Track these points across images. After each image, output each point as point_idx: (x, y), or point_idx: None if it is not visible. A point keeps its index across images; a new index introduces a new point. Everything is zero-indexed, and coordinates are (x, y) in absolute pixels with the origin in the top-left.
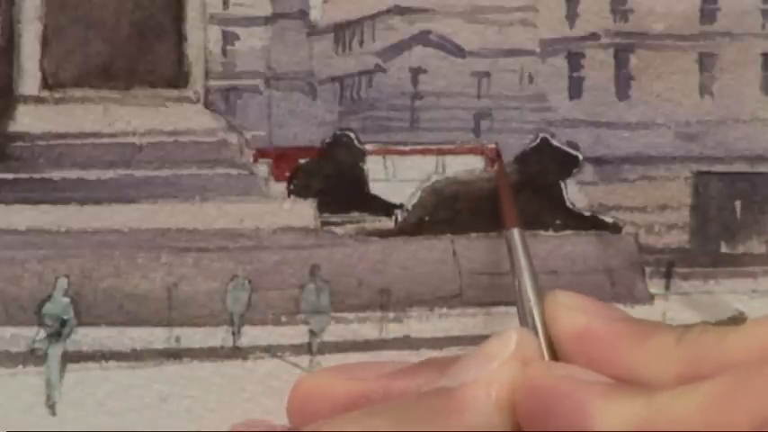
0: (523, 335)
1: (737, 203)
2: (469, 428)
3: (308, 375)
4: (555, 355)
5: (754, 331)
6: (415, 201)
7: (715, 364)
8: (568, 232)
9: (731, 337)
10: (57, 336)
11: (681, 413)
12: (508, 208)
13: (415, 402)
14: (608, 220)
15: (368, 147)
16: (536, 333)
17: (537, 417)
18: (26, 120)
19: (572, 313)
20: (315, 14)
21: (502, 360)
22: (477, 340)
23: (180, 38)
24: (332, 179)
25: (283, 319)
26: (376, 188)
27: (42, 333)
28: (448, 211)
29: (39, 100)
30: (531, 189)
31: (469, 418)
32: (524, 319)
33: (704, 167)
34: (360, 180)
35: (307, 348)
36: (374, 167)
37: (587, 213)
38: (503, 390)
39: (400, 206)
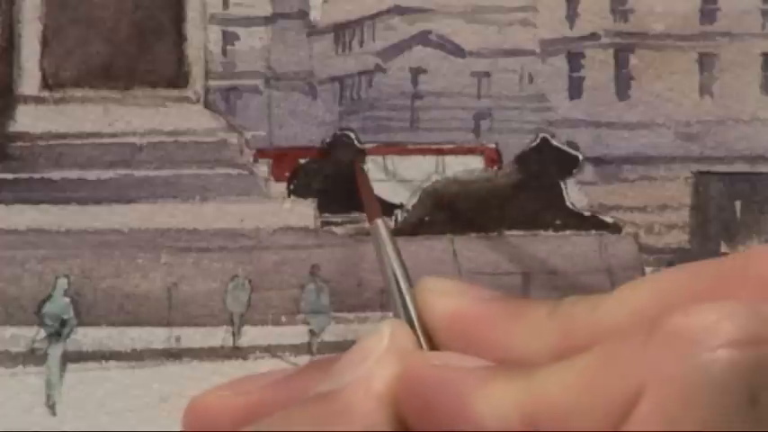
0: (396, 326)
1: (737, 203)
2: (357, 429)
3: (197, 396)
4: (432, 343)
5: (623, 297)
6: (414, 201)
7: (588, 333)
8: (568, 232)
9: (602, 305)
10: (57, 336)
11: (557, 392)
12: (369, 201)
13: (298, 412)
14: (608, 220)
15: (368, 146)
16: (409, 323)
17: (419, 409)
18: (26, 120)
19: (443, 298)
20: (315, 14)
21: (378, 355)
22: None
23: (180, 38)
24: (332, 179)
25: (283, 319)
26: (376, 188)
27: (42, 333)
28: (448, 212)
29: (39, 100)
30: (531, 189)
31: (355, 420)
32: (396, 310)
33: (704, 167)
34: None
35: (307, 348)
36: (374, 167)
37: (587, 213)
38: (382, 385)
39: (400, 206)
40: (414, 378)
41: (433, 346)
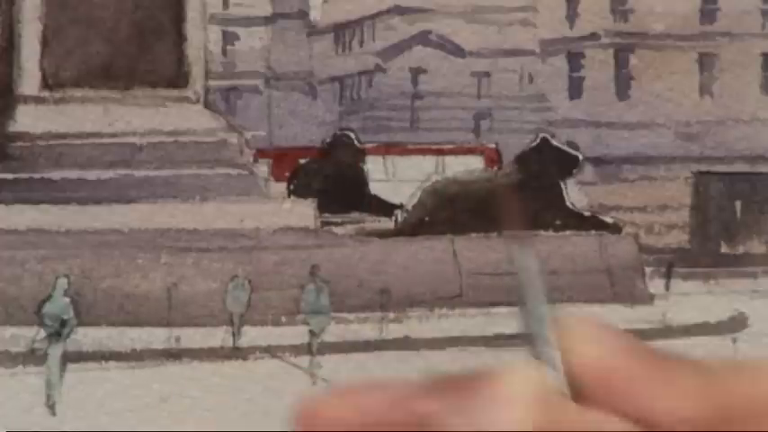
0: (541, 372)
1: (738, 203)
2: None
3: (311, 400)
4: (572, 389)
5: None
6: (414, 201)
7: (746, 407)
8: (568, 232)
9: (763, 374)
10: (57, 336)
11: None
12: (517, 226)
13: None
14: (608, 220)
15: (368, 146)
16: (553, 366)
17: None
18: (26, 120)
19: (590, 345)
20: (315, 15)
21: (526, 403)
22: (476, 341)
23: (180, 38)
24: (332, 179)
25: (283, 319)
26: (376, 188)
27: (42, 333)
28: (448, 212)
29: (39, 100)
30: (531, 189)
31: None
32: (539, 354)
33: (704, 168)
34: (360, 180)
35: (306, 349)
36: (374, 167)
37: (587, 213)
38: (527, 427)
39: (400, 206)
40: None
41: (575, 393)
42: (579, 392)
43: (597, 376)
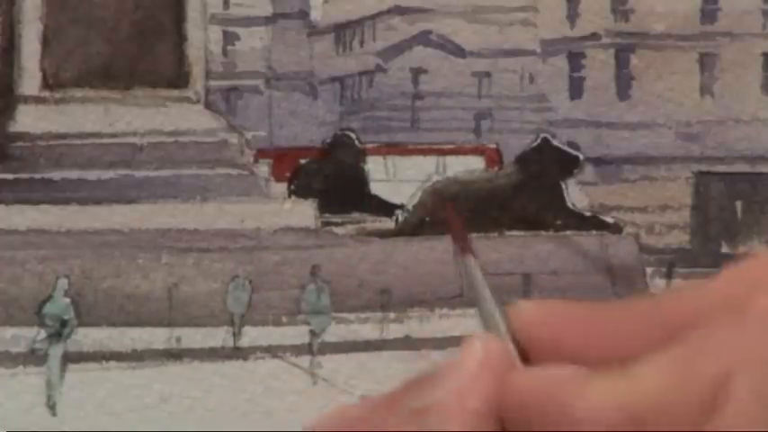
0: (487, 340)
1: (738, 204)
2: None
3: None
4: (526, 358)
5: (726, 281)
6: (415, 201)
7: (692, 322)
8: (569, 232)
9: (708, 289)
10: (57, 336)
11: (654, 385)
12: (462, 238)
13: (392, 429)
14: (609, 220)
15: (368, 147)
16: (503, 337)
17: (526, 423)
18: (26, 120)
19: (537, 308)
20: (315, 15)
21: (472, 370)
22: None
23: (180, 38)
24: (332, 179)
25: (284, 319)
26: (376, 188)
27: (43, 333)
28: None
29: (39, 100)
30: (531, 189)
31: None
32: (490, 329)
33: (705, 168)
34: (360, 180)
35: (307, 348)
36: (375, 168)
37: (588, 213)
38: (477, 402)
39: (401, 206)
40: (515, 393)
41: (528, 359)
42: (536, 357)
43: (547, 336)
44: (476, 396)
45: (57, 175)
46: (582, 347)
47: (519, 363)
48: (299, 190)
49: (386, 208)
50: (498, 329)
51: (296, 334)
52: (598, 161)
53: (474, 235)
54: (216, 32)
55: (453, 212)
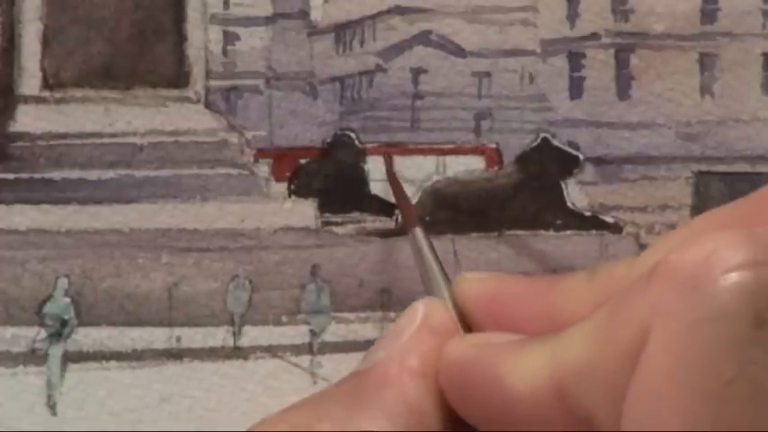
0: (430, 304)
1: None
2: (392, 402)
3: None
4: (470, 327)
5: (657, 248)
6: (415, 201)
7: (622, 288)
8: (569, 232)
9: (638, 260)
10: (57, 336)
11: (577, 351)
12: (406, 208)
13: (333, 391)
14: (609, 220)
15: (369, 146)
16: (447, 305)
17: (460, 390)
18: (27, 120)
19: (479, 282)
20: (315, 14)
21: (410, 332)
22: None
23: (180, 38)
24: (332, 179)
25: (284, 319)
26: (376, 188)
27: (43, 333)
28: (448, 212)
29: (39, 100)
30: (531, 189)
31: (389, 393)
32: (433, 294)
33: (705, 167)
34: (360, 180)
35: (307, 348)
36: (375, 167)
37: (588, 213)
38: (416, 360)
39: None
40: (453, 360)
41: (473, 330)
42: (480, 327)
43: (489, 305)
44: (415, 355)
45: (57, 174)
46: (521, 321)
47: (461, 331)
48: (299, 190)
49: (386, 208)
50: (443, 298)
51: (296, 334)
52: (598, 161)
53: (474, 235)
54: (216, 32)
55: (398, 184)
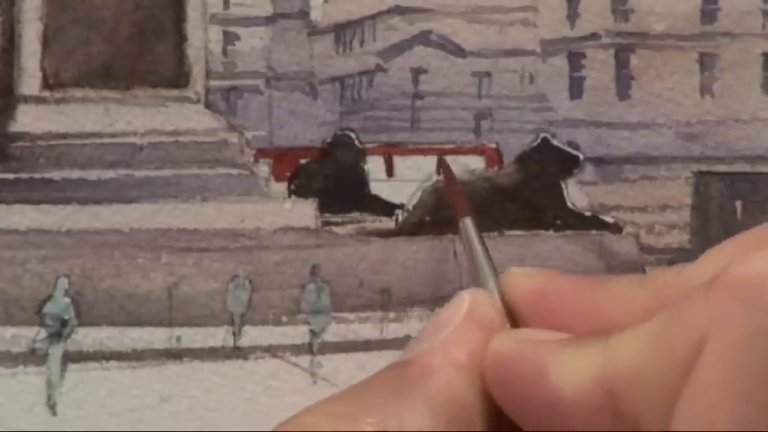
0: (476, 295)
1: (738, 203)
2: (435, 394)
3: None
4: (516, 323)
5: (708, 258)
6: (415, 201)
7: (677, 297)
8: (569, 232)
9: (689, 268)
10: (57, 336)
11: (630, 356)
12: (457, 199)
13: (374, 382)
14: (609, 220)
15: (368, 146)
16: (494, 298)
17: (504, 386)
18: (27, 120)
19: (527, 277)
20: (315, 14)
21: (456, 323)
22: None
23: (181, 38)
24: (333, 179)
25: (284, 319)
26: (376, 188)
27: (43, 333)
28: (448, 211)
29: (39, 100)
30: (531, 189)
31: (432, 385)
32: (479, 285)
33: (705, 167)
34: (360, 180)
35: (307, 348)
36: (375, 167)
37: (588, 213)
38: (461, 352)
39: (401, 206)
40: (499, 355)
41: (516, 324)
42: (524, 322)
43: (538, 303)
44: (460, 347)
45: (57, 174)
46: (565, 319)
47: (507, 325)
48: (299, 190)
49: (386, 208)
50: (490, 291)
51: (296, 334)
52: (598, 161)
53: None
54: (216, 32)
55: (451, 174)
